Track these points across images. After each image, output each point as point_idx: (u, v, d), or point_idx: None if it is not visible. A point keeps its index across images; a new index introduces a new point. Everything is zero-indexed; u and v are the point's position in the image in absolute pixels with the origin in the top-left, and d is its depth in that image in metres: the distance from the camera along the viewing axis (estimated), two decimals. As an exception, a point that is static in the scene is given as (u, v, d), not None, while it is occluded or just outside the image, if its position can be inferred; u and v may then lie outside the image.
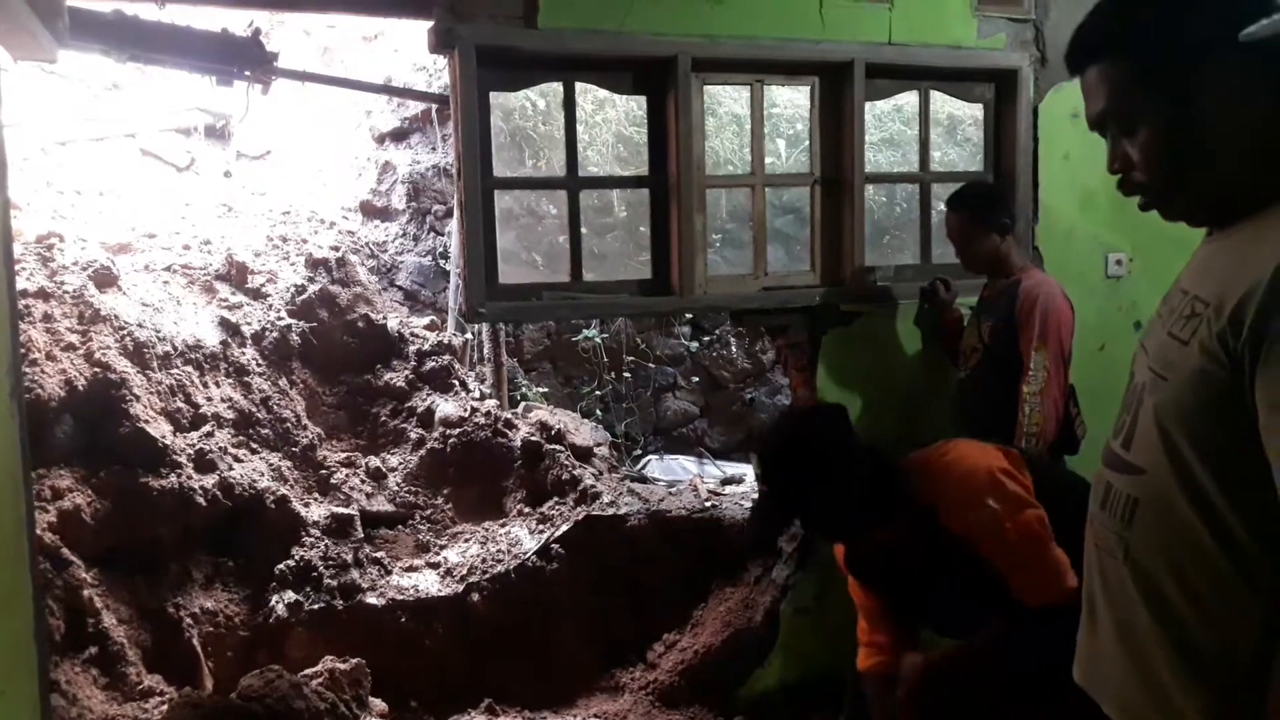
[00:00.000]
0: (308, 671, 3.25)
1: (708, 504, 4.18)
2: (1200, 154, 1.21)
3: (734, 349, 6.13)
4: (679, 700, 3.80)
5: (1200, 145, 1.20)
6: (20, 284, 3.58)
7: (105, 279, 3.85)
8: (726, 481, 4.45)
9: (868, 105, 3.60)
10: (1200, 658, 1.17)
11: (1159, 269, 3.86)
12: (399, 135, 5.24)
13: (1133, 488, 1.24)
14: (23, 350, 3.31)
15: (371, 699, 3.41)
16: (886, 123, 6.24)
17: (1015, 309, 3.19)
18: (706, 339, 6.16)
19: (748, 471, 4.68)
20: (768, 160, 3.77)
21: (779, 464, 2.21)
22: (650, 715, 3.74)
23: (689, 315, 5.98)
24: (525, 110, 5.60)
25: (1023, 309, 3.17)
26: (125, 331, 3.66)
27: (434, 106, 5.03)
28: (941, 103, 5.31)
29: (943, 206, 3.46)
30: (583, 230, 3.56)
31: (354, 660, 3.35)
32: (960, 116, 6.00)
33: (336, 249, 4.54)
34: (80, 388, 3.39)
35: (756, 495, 2.39)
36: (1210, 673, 1.16)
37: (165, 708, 2.97)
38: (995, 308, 3.29)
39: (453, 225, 4.64)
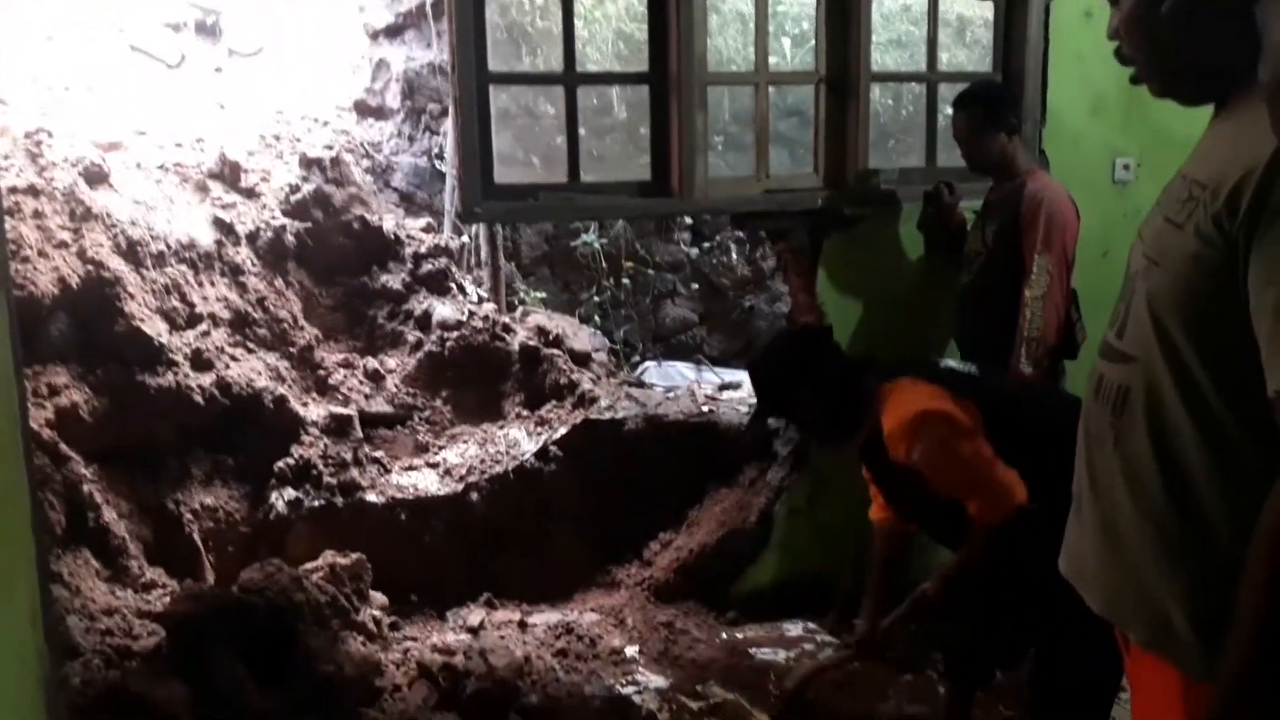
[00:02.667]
0: (308, 566, 3.31)
1: (705, 409, 4.19)
2: (1174, 23, 1.18)
3: (734, 256, 6.07)
4: (674, 596, 3.88)
5: (1176, 13, 1.16)
6: (9, 180, 3.52)
7: (96, 176, 3.78)
8: (724, 387, 4.45)
9: (875, 3, 3.49)
10: (1181, 548, 1.17)
11: (1167, 174, 3.77)
12: (393, 31, 5.08)
13: (1124, 376, 1.24)
14: (14, 247, 3.27)
15: (372, 592, 3.49)
16: (894, 23, 6.06)
17: (1020, 212, 3.15)
18: (707, 245, 6.09)
19: (746, 378, 4.68)
20: (772, 59, 3.68)
21: (764, 378, 2.61)
22: (645, 610, 3.82)
23: (689, 220, 5.91)
24: (522, 4, 5.43)
25: (1027, 212, 3.13)
26: (118, 229, 3.61)
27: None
28: (950, 2, 5.16)
29: (949, 110, 3.38)
30: (580, 131, 3.49)
31: (354, 555, 3.40)
32: (970, 18, 5.83)
33: (330, 148, 4.45)
34: (74, 285, 3.37)
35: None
36: (1190, 563, 1.17)
37: (168, 599, 3.04)
38: (1000, 211, 3.25)
39: (448, 125, 4.55)
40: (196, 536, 3.48)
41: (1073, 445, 1.38)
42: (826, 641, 3.66)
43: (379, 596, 3.53)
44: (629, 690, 3.23)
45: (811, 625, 3.76)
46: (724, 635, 3.71)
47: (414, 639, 3.49)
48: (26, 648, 1.91)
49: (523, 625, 3.68)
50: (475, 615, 3.71)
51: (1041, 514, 1.74)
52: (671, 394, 4.33)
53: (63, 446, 3.20)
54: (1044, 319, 3.06)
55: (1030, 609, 2.26)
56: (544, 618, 3.78)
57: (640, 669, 3.41)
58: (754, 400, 2.67)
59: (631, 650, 3.55)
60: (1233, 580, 1.08)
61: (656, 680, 3.32)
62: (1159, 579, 1.20)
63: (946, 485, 2.23)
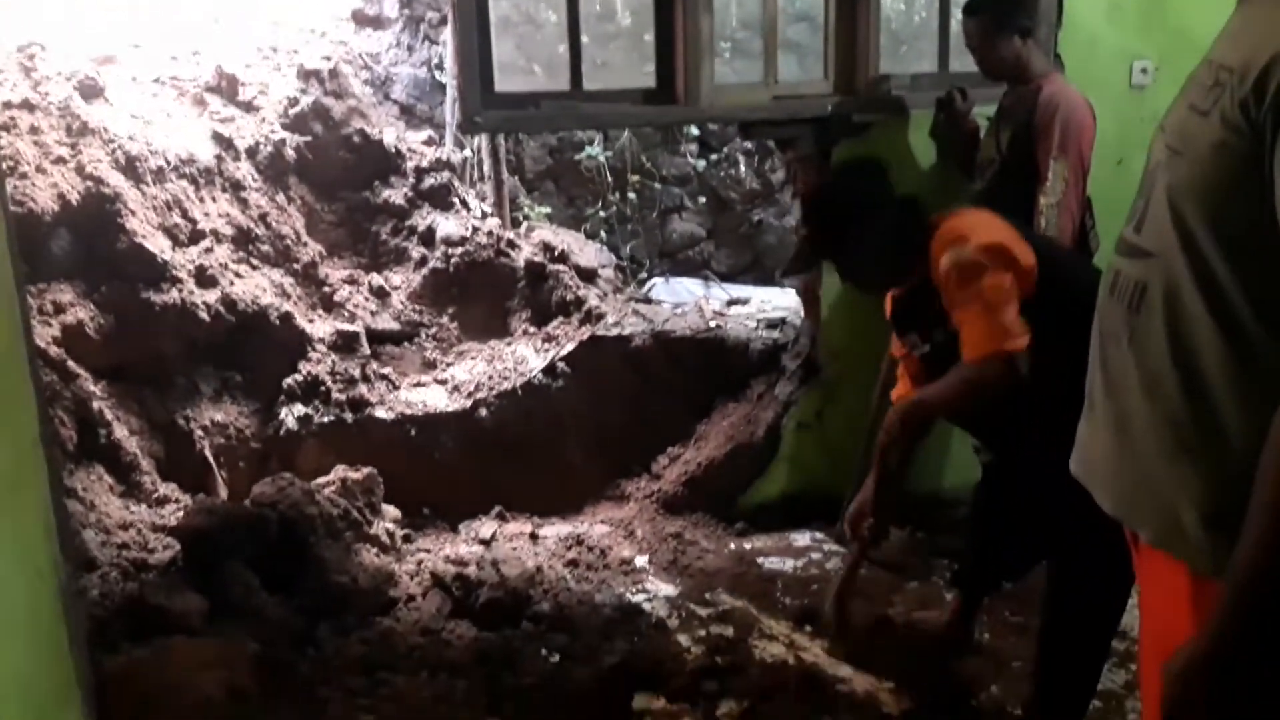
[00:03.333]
0: (320, 480, 3.34)
1: (713, 324, 4.17)
2: None
3: (742, 168, 5.97)
4: (682, 508, 3.91)
5: None
6: (3, 95, 3.46)
7: (91, 90, 3.71)
8: (732, 303, 4.42)
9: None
10: (1194, 447, 1.16)
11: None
12: (390, -63, 4.93)
13: (1141, 272, 1.21)
14: (11, 163, 3.23)
15: (384, 506, 3.52)
16: (908, -76, 5.86)
17: (1034, 118, 3.07)
18: (714, 158, 5.98)
19: (754, 293, 4.65)
20: (780, -40, 3.55)
21: (819, 208, 2.52)
22: (654, 521, 3.86)
23: (695, 131, 5.80)
24: (523, -95, 5.25)
25: (1042, 117, 3.04)
26: (116, 144, 3.56)
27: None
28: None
29: (962, 14, 3.27)
30: (583, 38, 3.39)
31: (365, 469, 3.43)
32: (986, -83, 5.61)
33: (328, 59, 4.35)
34: (74, 201, 3.33)
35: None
36: (1202, 462, 1.15)
37: (181, 514, 3.07)
38: (1014, 116, 3.16)
39: (448, 33, 4.43)
40: (208, 452, 3.51)
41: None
42: (833, 551, 3.69)
43: (391, 510, 3.57)
44: (639, 598, 3.28)
45: (819, 535, 3.80)
46: (732, 545, 3.75)
47: (427, 551, 3.54)
48: (42, 559, 1.93)
49: (534, 537, 3.73)
50: (487, 528, 3.76)
51: (1054, 415, 1.67)
52: (679, 310, 4.30)
53: (70, 364, 3.21)
54: (1058, 226, 3.00)
55: (1041, 519, 2.26)
56: (554, 530, 3.83)
57: (650, 578, 3.46)
58: (802, 243, 2.55)
59: (641, 560, 3.59)
60: (1245, 480, 1.07)
61: (666, 589, 3.37)
62: (1170, 478, 1.18)
63: (956, 300, 2.09)
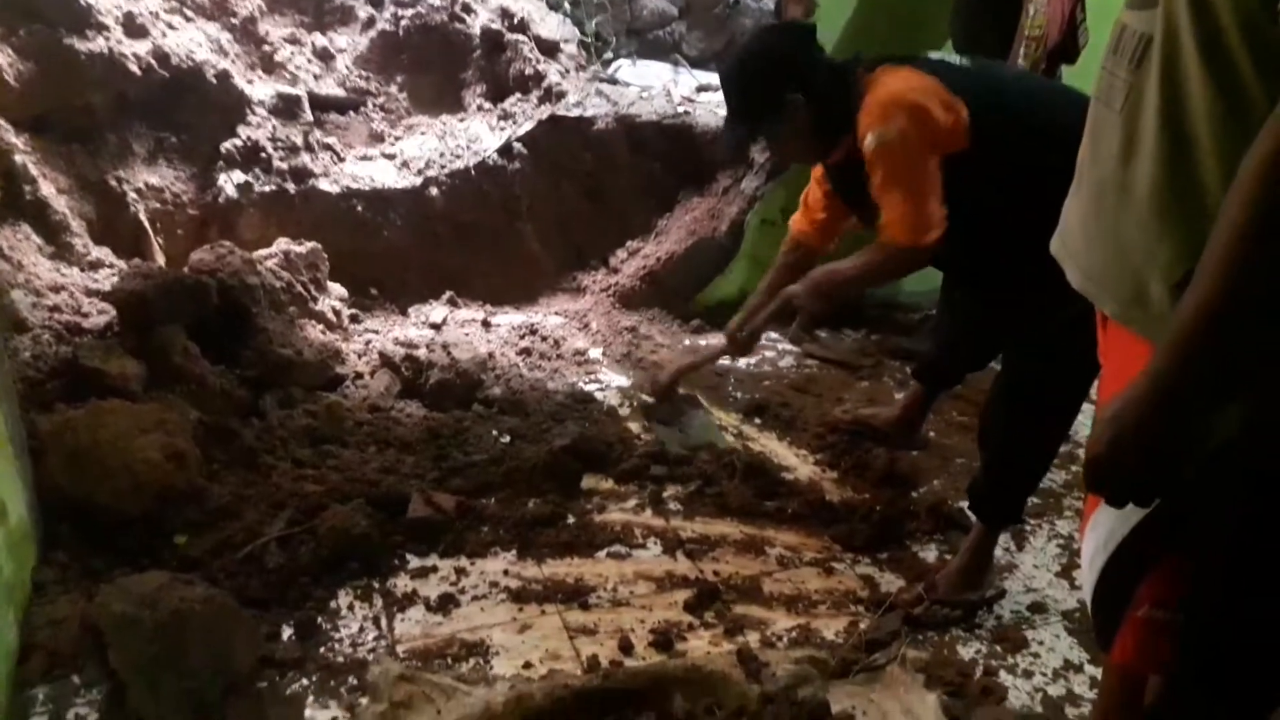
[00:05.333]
0: (261, 252, 3.18)
1: (680, 110, 3.98)
2: None
3: (719, -54, 5.54)
4: (639, 303, 3.86)
5: None
6: None
7: None
8: (702, 89, 4.19)
9: None
10: (1170, 212, 1.12)
11: None
12: None
13: (1146, 24, 1.13)
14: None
15: (330, 283, 3.40)
16: None
17: None
18: (690, -68, 5.54)
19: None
20: None
21: (734, 80, 2.29)
22: (610, 315, 3.81)
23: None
24: None
25: None
26: None
27: None
28: None
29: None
30: None
31: (309, 244, 3.28)
32: None
33: None
34: (-22, -71, 2.97)
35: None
36: (1177, 229, 1.11)
37: (116, 278, 2.92)
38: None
39: None
40: (143, 217, 3.32)
41: (1075, 142, 1.31)
42: (786, 350, 3.69)
43: (337, 288, 3.45)
44: (591, 387, 3.26)
45: (773, 335, 3.78)
46: (687, 341, 3.73)
47: (375, 332, 3.45)
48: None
49: (486, 324, 3.66)
50: (438, 312, 3.67)
51: (1028, 211, 1.62)
52: (645, 94, 4.08)
53: (-12, 113, 2.95)
54: (1047, 14, 2.84)
55: (1003, 310, 2.24)
56: (507, 319, 3.76)
57: (603, 369, 3.44)
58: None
59: (595, 352, 3.56)
60: None
61: (619, 380, 3.35)
62: (1141, 246, 1.15)
63: (880, 182, 2.05)
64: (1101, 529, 1.28)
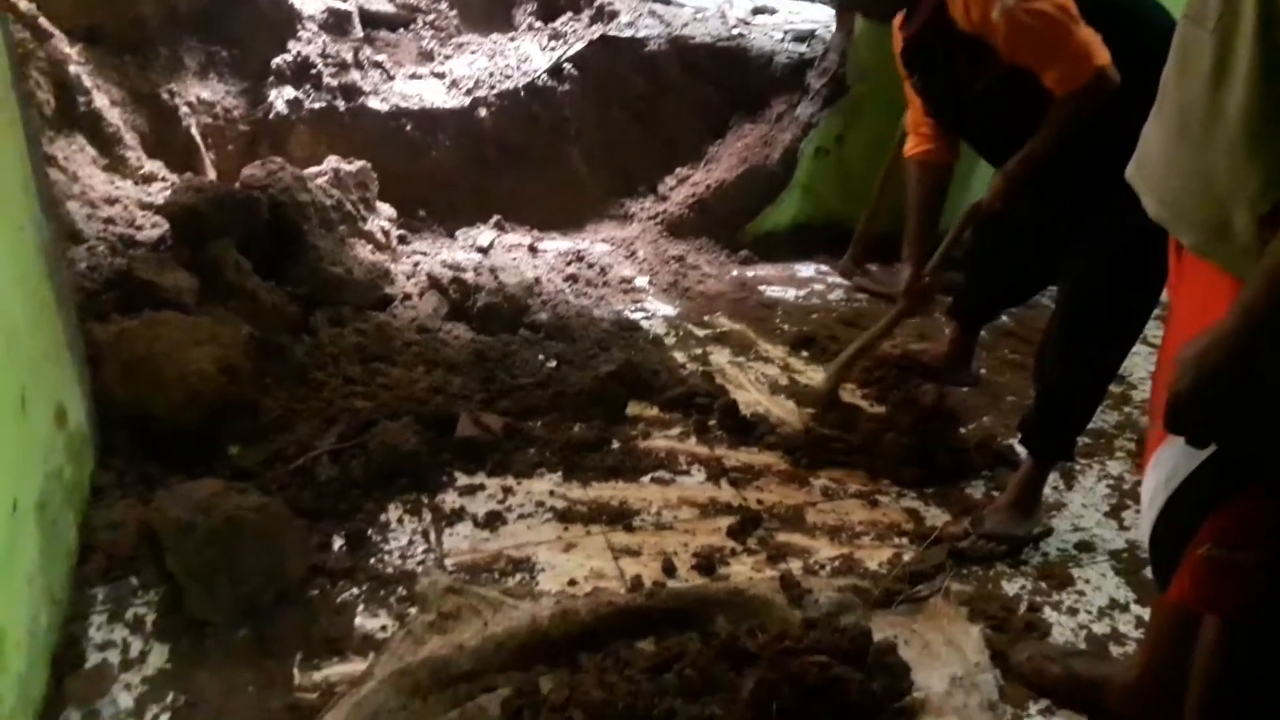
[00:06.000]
0: (312, 170, 3.18)
1: (735, 32, 3.87)
2: None
3: None
4: (687, 232, 3.81)
5: None
6: None
7: None
8: (758, 11, 4.08)
9: None
10: (1260, 140, 1.07)
11: None
12: None
13: None
14: None
15: (379, 203, 3.40)
16: None
17: None
18: None
19: (782, 2, 4.29)
20: None
21: None
22: (657, 243, 3.77)
23: None
24: None
25: None
26: None
27: None
28: None
29: None
30: None
31: (359, 162, 3.27)
32: None
33: None
34: None
35: None
36: (1265, 157, 1.06)
37: (168, 192, 2.94)
38: None
39: None
40: (194, 131, 3.32)
41: (1158, 63, 1.25)
42: (836, 283, 3.64)
43: (386, 208, 3.44)
44: (637, 316, 3.24)
45: (824, 268, 3.73)
46: (735, 272, 3.68)
47: (423, 254, 3.45)
48: (21, 215, 1.82)
49: (533, 250, 3.64)
50: (485, 236, 3.66)
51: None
52: (699, 15, 3.97)
53: (43, 21, 2.95)
54: None
55: (1052, 238, 2.18)
56: (554, 244, 3.74)
57: (649, 298, 3.42)
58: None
59: (641, 281, 3.53)
60: None
61: (665, 309, 3.33)
62: (1229, 174, 1.10)
63: (1025, 46, 1.95)
64: (1165, 465, 1.25)
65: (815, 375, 2.95)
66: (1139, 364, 3.02)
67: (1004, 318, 3.19)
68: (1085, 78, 1.91)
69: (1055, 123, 2.02)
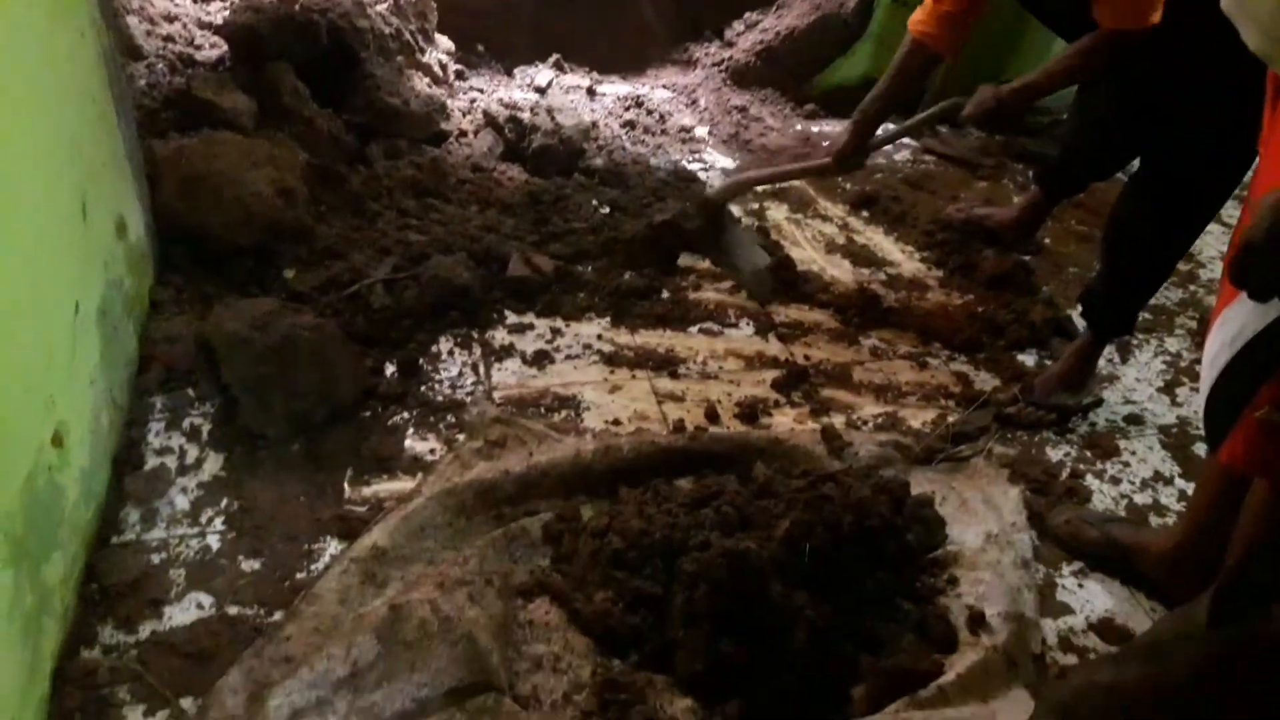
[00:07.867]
0: (370, -4, 3.09)
1: None
2: None
3: None
4: (751, 81, 3.69)
5: None
6: None
7: None
8: None
9: None
10: None
11: None
12: None
13: None
14: None
15: (438, 35, 3.31)
16: None
17: None
18: None
19: None
20: None
21: None
22: (720, 92, 3.65)
23: None
24: None
25: None
26: None
27: None
28: None
29: None
30: None
31: (419, -10, 3.17)
32: None
33: None
34: None
35: None
36: None
37: (227, 11, 2.88)
38: None
39: None
40: (252, -50, 3.23)
41: None
42: (904, 143, 3.50)
43: (444, 41, 3.36)
44: (694, 166, 3.17)
45: (892, 125, 3.58)
46: (799, 126, 3.57)
47: (480, 90, 3.38)
48: (82, 19, 1.80)
49: (591, 92, 3.55)
50: (543, 75, 3.57)
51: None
52: None
53: None
54: None
55: (1139, 115, 2.07)
56: (614, 88, 3.64)
57: (708, 149, 3.33)
58: None
59: (701, 130, 3.44)
60: None
61: (724, 161, 3.25)
62: None
63: None
64: (1233, 324, 1.21)
65: (874, 235, 2.89)
66: (1209, 243, 2.91)
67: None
68: (1135, 25, 1.82)
69: (1074, 61, 1.94)
